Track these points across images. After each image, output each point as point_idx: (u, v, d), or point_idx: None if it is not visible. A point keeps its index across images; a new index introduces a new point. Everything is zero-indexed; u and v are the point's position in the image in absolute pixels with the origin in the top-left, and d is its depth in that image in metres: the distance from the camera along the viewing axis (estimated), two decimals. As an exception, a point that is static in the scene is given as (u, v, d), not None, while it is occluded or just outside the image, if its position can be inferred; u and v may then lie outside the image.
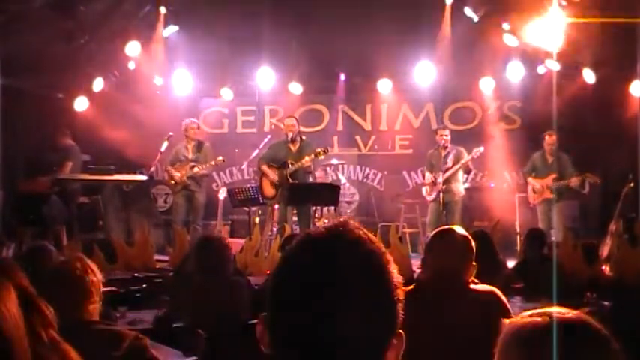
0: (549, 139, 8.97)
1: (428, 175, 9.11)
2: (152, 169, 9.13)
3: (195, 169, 8.94)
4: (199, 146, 9.13)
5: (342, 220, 1.19)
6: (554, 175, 8.87)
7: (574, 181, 8.71)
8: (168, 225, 9.65)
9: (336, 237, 1.15)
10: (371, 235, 1.18)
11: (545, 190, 8.84)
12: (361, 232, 1.17)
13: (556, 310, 1.34)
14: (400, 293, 1.15)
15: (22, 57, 8.77)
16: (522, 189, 10.40)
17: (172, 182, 9.09)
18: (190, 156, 9.06)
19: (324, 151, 8.67)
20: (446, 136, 8.93)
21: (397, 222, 9.77)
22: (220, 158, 9.08)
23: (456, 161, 8.79)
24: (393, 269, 1.16)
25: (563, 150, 9.03)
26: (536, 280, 5.46)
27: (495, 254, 6.34)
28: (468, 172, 9.10)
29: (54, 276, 2.80)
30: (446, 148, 8.88)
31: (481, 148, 8.93)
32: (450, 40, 9.83)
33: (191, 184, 9.05)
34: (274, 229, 8.94)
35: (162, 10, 9.58)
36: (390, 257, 1.17)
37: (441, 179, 8.75)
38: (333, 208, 9.44)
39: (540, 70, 9.88)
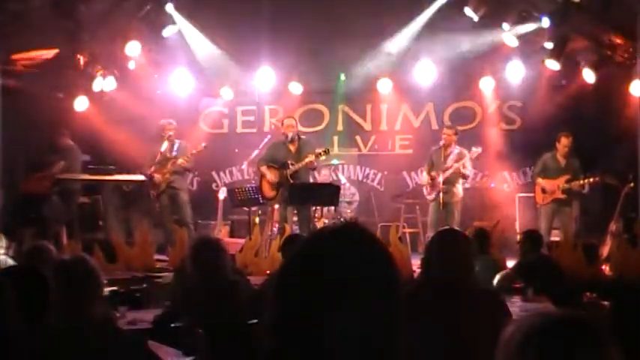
0: (565, 140, 8.68)
1: (425, 175, 9.09)
2: (152, 168, 9.12)
3: (180, 161, 8.89)
4: (177, 145, 9.10)
5: (349, 219, 1.21)
6: (567, 177, 8.64)
7: (585, 184, 8.56)
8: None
9: (342, 236, 1.16)
10: (376, 236, 1.18)
11: (557, 191, 8.66)
12: (367, 231, 1.18)
13: (555, 310, 1.34)
14: (403, 293, 1.16)
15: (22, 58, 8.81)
16: (522, 189, 10.42)
17: (155, 183, 9.04)
18: (169, 155, 9.03)
19: (325, 152, 8.66)
20: (449, 135, 8.89)
21: (397, 222, 9.76)
22: (203, 144, 9.07)
23: (457, 162, 8.76)
24: (398, 269, 1.17)
25: (574, 153, 8.79)
26: (535, 280, 5.48)
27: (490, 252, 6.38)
28: (464, 177, 8.95)
29: (65, 272, 2.77)
30: (448, 147, 8.85)
31: (479, 149, 8.88)
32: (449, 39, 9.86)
33: (174, 179, 9.02)
34: (274, 229, 8.94)
35: (170, 8, 9.57)
36: (394, 257, 1.18)
37: (441, 179, 8.73)
38: (333, 208, 9.45)
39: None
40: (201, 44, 10.29)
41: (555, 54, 9.09)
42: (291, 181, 8.50)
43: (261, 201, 8.94)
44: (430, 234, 8.34)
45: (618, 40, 9.05)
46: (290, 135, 8.65)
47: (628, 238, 7.92)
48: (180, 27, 9.94)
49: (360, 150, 11.33)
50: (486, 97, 10.81)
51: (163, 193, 9.02)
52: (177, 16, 9.78)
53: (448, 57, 10.11)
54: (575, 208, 9.13)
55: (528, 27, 9.28)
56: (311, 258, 1.14)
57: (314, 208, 9.07)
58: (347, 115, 11.37)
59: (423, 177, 9.19)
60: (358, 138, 11.34)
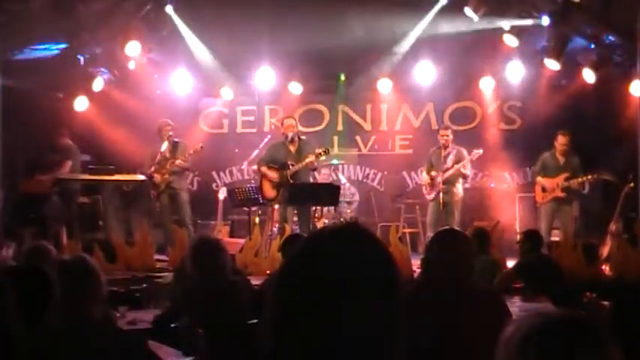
0: (562, 139, 8.68)
1: (424, 175, 9.11)
2: (151, 169, 9.12)
3: (177, 161, 8.90)
4: (175, 146, 9.10)
5: (349, 219, 1.21)
6: (566, 174, 8.63)
7: (585, 182, 8.65)
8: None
9: (342, 236, 1.16)
10: (376, 236, 1.18)
11: (557, 189, 8.66)
12: (367, 231, 1.18)
13: (555, 310, 1.34)
14: (403, 293, 1.16)
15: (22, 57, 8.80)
16: (522, 189, 10.43)
17: (155, 183, 9.04)
18: (168, 155, 9.03)
19: (324, 152, 8.65)
20: (446, 136, 8.91)
21: (397, 222, 9.77)
22: (200, 145, 9.07)
23: (457, 162, 8.78)
24: (398, 269, 1.17)
25: (574, 152, 8.80)
26: (535, 280, 5.48)
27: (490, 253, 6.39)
28: (464, 177, 8.98)
29: (65, 272, 2.77)
30: (446, 148, 8.87)
31: (480, 150, 8.91)
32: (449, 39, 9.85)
33: (173, 180, 9.02)
34: (274, 229, 8.94)
35: (169, 9, 9.57)
36: (394, 257, 1.18)
37: (440, 179, 8.75)
38: (333, 208, 9.45)
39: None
40: (199, 48, 10.26)
41: (555, 54, 9.09)
42: (292, 182, 8.50)
43: (261, 201, 8.94)
44: (430, 234, 8.35)
45: (618, 40, 9.05)
46: (290, 135, 8.64)
47: (628, 238, 7.92)
48: (179, 29, 9.93)
49: (360, 150, 11.33)
50: (486, 97, 10.82)
51: (163, 193, 9.03)
52: (176, 18, 9.77)
53: (448, 57, 10.11)
54: (575, 208, 9.13)
55: (528, 25, 9.28)
56: (311, 258, 1.14)
57: (314, 208, 9.07)
58: (347, 115, 11.37)
59: (423, 177, 9.22)
60: (358, 138, 11.34)
